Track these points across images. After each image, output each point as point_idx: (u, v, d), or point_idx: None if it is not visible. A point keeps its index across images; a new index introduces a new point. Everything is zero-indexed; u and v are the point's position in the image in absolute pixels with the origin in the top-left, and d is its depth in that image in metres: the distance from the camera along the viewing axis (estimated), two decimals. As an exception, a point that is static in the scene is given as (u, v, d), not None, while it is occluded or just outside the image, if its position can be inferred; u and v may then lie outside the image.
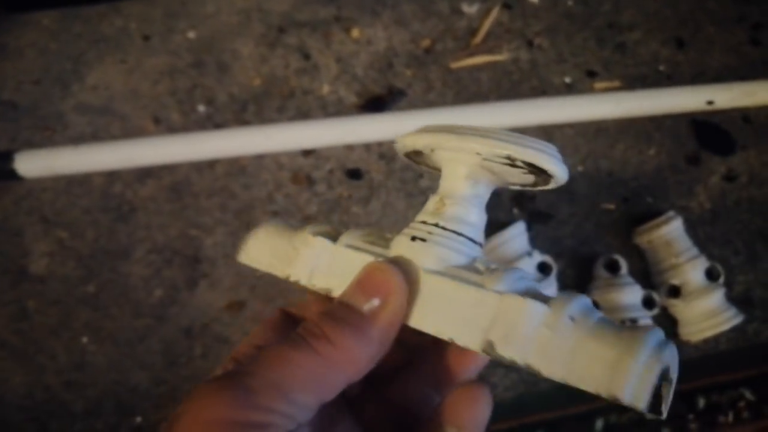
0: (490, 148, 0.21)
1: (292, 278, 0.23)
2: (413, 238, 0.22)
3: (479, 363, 0.24)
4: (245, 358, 0.22)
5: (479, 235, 0.23)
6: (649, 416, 0.17)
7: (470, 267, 0.22)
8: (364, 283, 0.20)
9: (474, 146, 0.21)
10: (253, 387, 0.18)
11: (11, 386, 0.50)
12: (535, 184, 0.24)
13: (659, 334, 0.18)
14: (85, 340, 0.52)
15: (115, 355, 0.51)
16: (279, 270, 0.24)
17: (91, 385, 0.51)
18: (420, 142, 0.23)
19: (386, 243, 0.23)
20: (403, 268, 0.21)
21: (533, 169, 0.22)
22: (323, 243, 0.23)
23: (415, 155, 0.25)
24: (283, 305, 0.25)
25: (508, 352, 0.19)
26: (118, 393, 0.50)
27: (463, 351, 0.24)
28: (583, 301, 0.19)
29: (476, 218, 0.23)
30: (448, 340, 0.20)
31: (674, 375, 0.18)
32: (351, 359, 0.19)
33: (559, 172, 0.22)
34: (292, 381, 0.18)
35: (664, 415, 0.17)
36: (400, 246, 0.22)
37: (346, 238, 0.23)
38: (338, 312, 0.20)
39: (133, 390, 0.50)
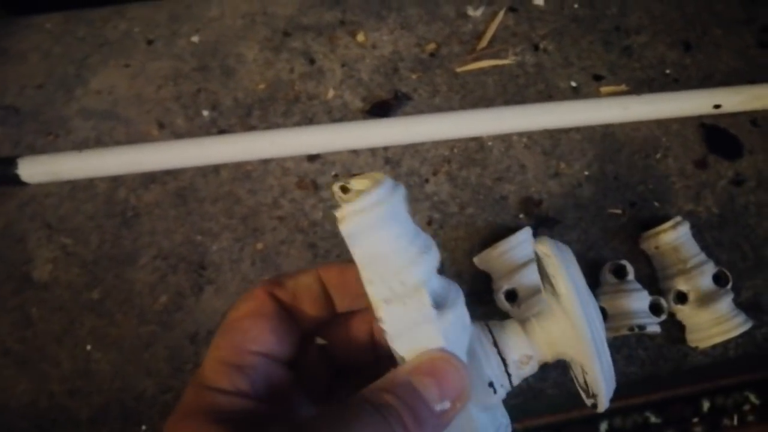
0: None
1: None
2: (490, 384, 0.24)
3: None
4: (251, 371, 0.23)
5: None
6: None
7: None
8: (442, 382, 0.21)
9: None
10: None
11: (15, 394, 0.50)
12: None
13: None
14: (89, 347, 0.51)
15: (120, 362, 0.51)
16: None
17: (95, 393, 0.50)
18: None
19: None
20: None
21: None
22: None
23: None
24: None
25: None
26: (123, 400, 0.50)
27: None
28: None
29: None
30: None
31: None
32: None
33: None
34: None
35: None
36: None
37: None
38: (417, 407, 0.21)
39: (139, 397, 0.50)
